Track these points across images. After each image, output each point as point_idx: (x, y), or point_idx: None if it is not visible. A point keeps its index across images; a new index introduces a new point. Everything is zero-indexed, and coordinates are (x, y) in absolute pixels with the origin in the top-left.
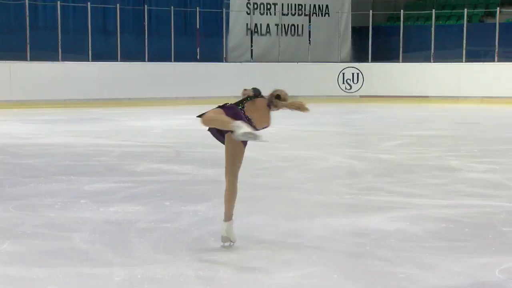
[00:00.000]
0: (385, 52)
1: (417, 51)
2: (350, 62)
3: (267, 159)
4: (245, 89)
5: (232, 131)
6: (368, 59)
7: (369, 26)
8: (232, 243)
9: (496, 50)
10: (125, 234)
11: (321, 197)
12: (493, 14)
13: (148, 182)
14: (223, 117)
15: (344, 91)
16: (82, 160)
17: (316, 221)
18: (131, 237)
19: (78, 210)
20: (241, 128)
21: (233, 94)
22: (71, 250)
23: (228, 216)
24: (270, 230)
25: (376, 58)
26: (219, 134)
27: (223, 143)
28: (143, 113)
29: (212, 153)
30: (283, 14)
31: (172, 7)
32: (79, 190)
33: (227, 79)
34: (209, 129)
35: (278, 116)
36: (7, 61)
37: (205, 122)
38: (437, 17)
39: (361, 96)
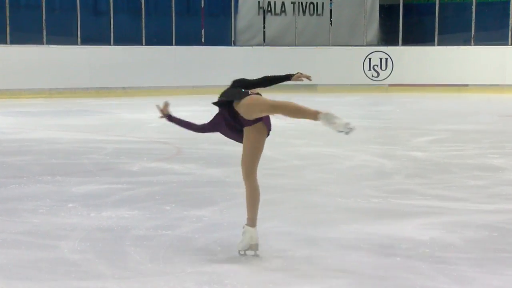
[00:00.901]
0: (418, 33)
1: (455, 32)
2: (378, 45)
3: (282, 157)
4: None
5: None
6: (398, 42)
7: (399, 4)
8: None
9: None
10: (120, 242)
11: (344, 201)
12: None
13: (146, 184)
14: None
15: (371, 79)
16: (70, 158)
17: (338, 229)
18: (126, 246)
19: (65, 216)
20: (335, 118)
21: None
22: (58, 261)
23: (255, 221)
24: (285, 239)
25: (408, 41)
26: (234, 131)
27: (239, 141)
28: (139, 105)
29: (218, 150)
30: None
31: None
32: (67, 192)
33: (235, 66)
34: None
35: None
36: None
37: (280, 110)
38: None
39: (390, 85)
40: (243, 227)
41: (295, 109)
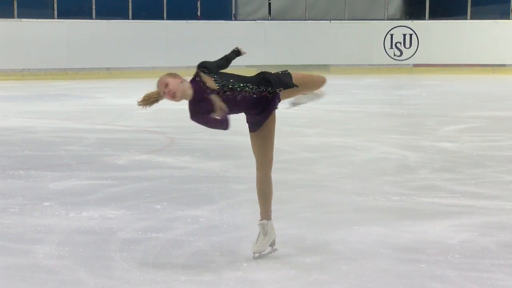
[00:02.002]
0: (447, 5)
1: (491, 4)
2: (401, 19)
3: (290, 148)
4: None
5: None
6: (424, 16)
7: None
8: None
9: None
10: (103, 247)
11: (361, 199)
12: None
13: (133, 179)
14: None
15: (393, 58)
16: (46, 149)
17: (354, 231)
18: (111, 251)
19: (41, 216)
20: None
21: (245, 62)
22: (32, 268)
23: (270, 213)
24: (294, 242)
25: (436, 14)
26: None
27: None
28: (126, 88)
29: (217, 141)
30: None
31: None
32: (42, 189)
33: (236, 43)
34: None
35: None
36: None
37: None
38: None
39: (415, 65)
40: (263, 223)
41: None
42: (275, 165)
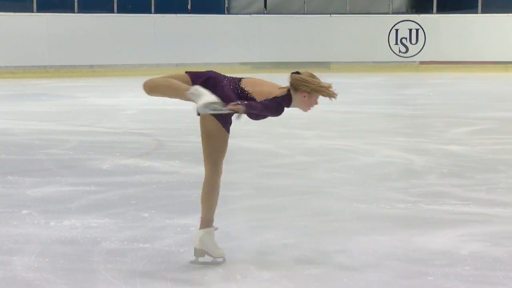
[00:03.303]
0: None
1: None
2: (407, 13)
3: (286, 152)
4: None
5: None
6: (432, 9)
7: None
8: (215, 258)
9: None
10: (86, 258)
11: (363, 206)
12: None
13: (119, 185)
14: (174, 82)
15: (398, 55)
16: (24, 153)
17: (356, 241)
18: (94, 262)
19: (18, 224)
20: (201, 95)
21: (239, 59)
22: (9, 281)
23: (204, 222)
24: (290, 253)
25: (444, 8)
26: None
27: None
28: (110, 87)
29: None
30: None
31: None
32: (20, 195)
33: (230, 38)
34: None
35: None
36: None
37: (148, 89)
38: None
39: (422, 63)
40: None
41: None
42: (270, 170)
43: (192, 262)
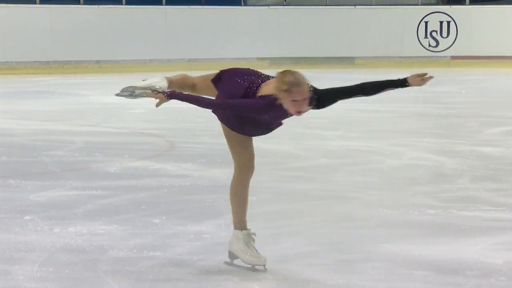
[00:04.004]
0: None
1: None
2: (437, 4)
3: (306, 154)
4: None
5: None
6: (464, 0)
7: None
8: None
9: None
10: (93, 267)
11: (389, 212)
12: None
13: (127, 189)
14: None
15: (428, 49)
16: (27, 155)
17: (382, 249)
18: (102, 272)
19: (20, 231)
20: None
21: (256, 54)
22: None
23: (233, 223)
24: (311, 262)
25: None
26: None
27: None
28: (118, 84)
29: (222, 145)
30: None
31: None
32: (22, 200)
33: (246, 32)
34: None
35: (323, 88)
36: None
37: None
38: None
39: (453, 58)
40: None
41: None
42: (289, 173)
43: (208, 270)
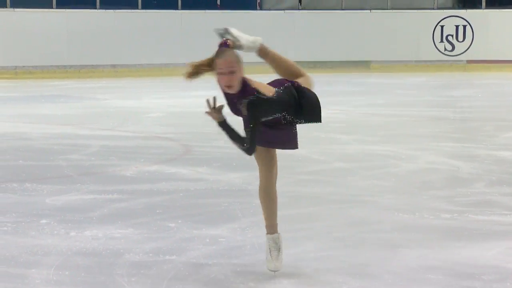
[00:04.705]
0: None
1: None
2: (453, 8)
3: (322, 157)
4: None
5: None
6: (480, 4)
7: None
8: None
9: None
10: (108, 271)
11: (405, 216)
12: None
13: (143, 193)
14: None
15: (443, 53)
16: (43, 159)
17: (397, 254)
18: (118, 276)
19: (37, 235)
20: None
21: None
22: None
23: (270, 228)
24: (326, 267)
25: (493, 2)
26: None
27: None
28: (134, 88)
29: (238, 150)
30: None
31: None
32: (38, 204)
33: (262, 36)
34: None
35: (337, 92)
36: None
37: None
38: None
39: (469, 62)
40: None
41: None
42: (304, 177)
43: (224, 274)
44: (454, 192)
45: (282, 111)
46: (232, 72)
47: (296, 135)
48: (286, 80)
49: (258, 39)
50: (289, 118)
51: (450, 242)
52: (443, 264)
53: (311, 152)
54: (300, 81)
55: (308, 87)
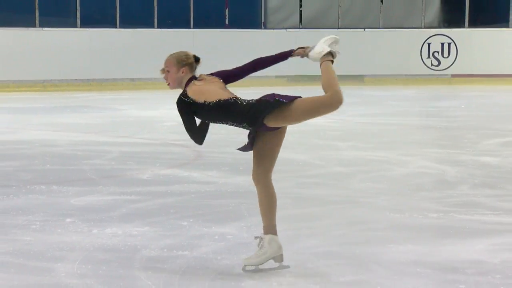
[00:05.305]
0: (488, 13)
1: None
2: (439, 27)
3: (322, 163)
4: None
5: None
6: (464, 24)
7: None
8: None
9: None
10: (127, 265)
11: (397, 216)
12: None
13: (158, 195)
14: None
15: (430, 68)
16: (68, 163)
17: (390, 249)
18: (135, 269)
19: (62, 233)
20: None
21: (275, 72)
22: (54, 286)
23: (274, 228)
24: (327, 262)
25: (475, 22)
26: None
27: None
28: (150, 99)
29: (245, 155)
30: None
31: None
32: (64, 204)
33: (266, 52)
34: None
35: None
36: None
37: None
38: None
39: (454, 76)
40: (261, 237)
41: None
42: (306, 180)
43: (231, 268)
44: (441, 194)
45: (223, 119)
46: (167, 71)
47: (249, 139)
48: (274, 95)
49: (323, 51)
50: (235, 125)
51: (438, 239)
52: (431, 259)
53: (312, 157)
54: (316, 97)
55: (310, 102)
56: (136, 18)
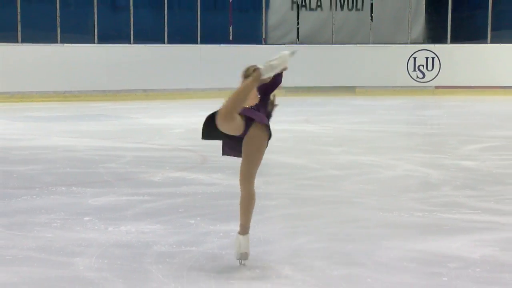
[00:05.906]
0: (468, 30)
1: (510, 28)
2: (424, 43)
3: (317, 166)
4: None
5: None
6: (446, 40)
7: None
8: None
9: None
10: (140, 259)
11: (386, 214)
12: None
13: (168, 195)
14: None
15: (416, 80)
16: (86, 167)
17: (379, 245)
18: (147, 263)
19: (81, 230)
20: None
21: None
22: (73, 279)
23: (247, 229)
24: (321, 257)
25: (457, 38)
26: (237, 148)
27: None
28: (161, 109)
29: None
30: None
31: None
32: (83, 204)
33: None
34: (224, 150)
35: (328, 112)
36: None
37: (226, 116)
38: None
39: (437, 87)
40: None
41: (237, 96)
42: (302, 182)
43: (235, 262)
44: (426, 194)
45: None
46: None
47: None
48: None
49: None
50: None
51: (422, 236)
52: (417, 254)
53: (308, 161)
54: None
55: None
56: (148, 35)
